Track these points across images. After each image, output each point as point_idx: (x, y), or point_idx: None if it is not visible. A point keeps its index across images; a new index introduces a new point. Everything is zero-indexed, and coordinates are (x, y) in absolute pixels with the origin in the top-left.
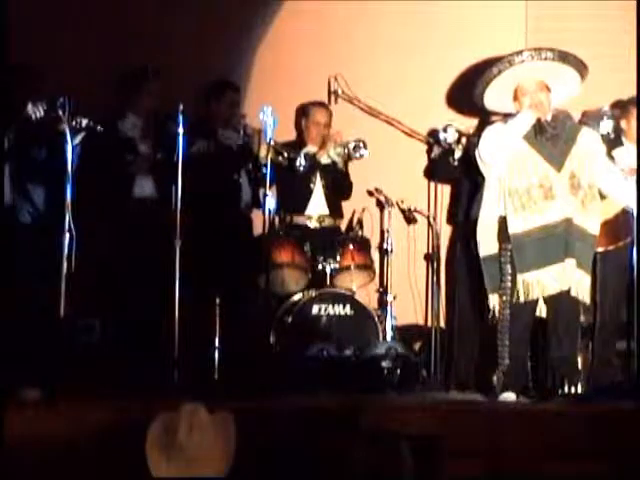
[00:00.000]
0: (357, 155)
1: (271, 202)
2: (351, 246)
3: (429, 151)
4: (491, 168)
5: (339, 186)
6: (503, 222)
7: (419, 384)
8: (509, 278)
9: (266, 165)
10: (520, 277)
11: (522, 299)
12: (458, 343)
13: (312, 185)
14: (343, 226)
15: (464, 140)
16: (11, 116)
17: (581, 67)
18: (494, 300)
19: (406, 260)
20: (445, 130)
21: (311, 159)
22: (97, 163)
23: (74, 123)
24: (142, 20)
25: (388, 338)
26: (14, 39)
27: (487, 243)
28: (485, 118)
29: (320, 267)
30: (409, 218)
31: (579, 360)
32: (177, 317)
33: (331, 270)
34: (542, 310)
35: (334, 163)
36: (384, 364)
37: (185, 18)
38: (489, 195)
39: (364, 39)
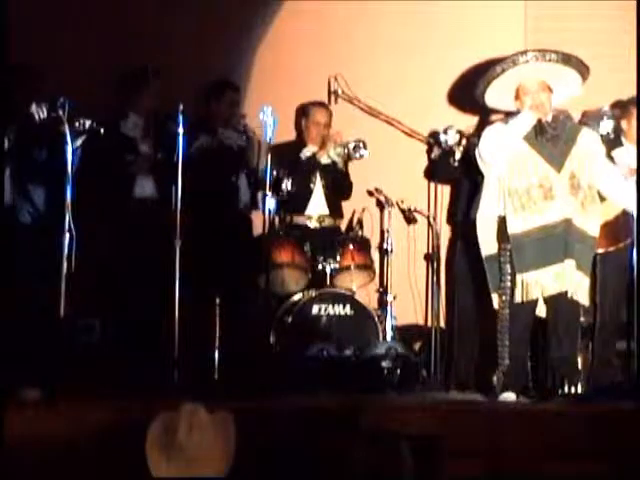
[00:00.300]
0: (357, 155)
1: (271, 202)
2: (351, 246)
3: (429, 151)
4: (491, 167)
5: (339, 186)
6: (502, 222)
7: (419, 384)
8: (509, 278)
9: (265, 168)
10: (519, 277)
11: (521, 299)
12: (458, 343)
13: (312, 185)
14: (343, 226)
15: (464, 141)
16: (11, 116)
17: (583, 69)
18: (495, 300)
19: (406, 260)
20: (446, 132)
21: (310, 160)
22: (98, 163)
23: (77, 125)
24: (142, 20)
25: (388, 338)
26: (14, 39)
27: (488, 242)
28: (485, 118)
29: (320, 267)
30: (409, 218)
31: (579, 360)
32: (177, 317)
33: (331, 270)
34: (542, 310)
35: (334, 163)
36: (384, 364)
37: (185, 18)
38: (488, 194)
39: (364, 39)
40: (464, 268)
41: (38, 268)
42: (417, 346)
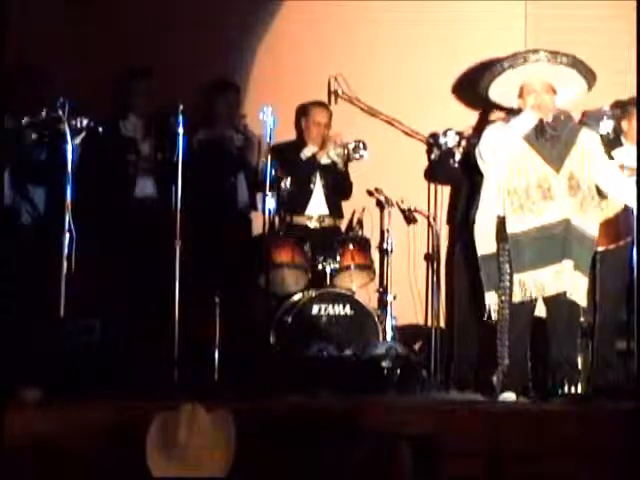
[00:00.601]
0: (357, 156)
1: (271, 202)
2: (351, 246)
3: (429, 152)
4: (490, 166)
5: (339, 186)
6: (502, 222)
7: (419, 384)
8: (508, 278)
9: (265, 167)
10: (517, 277)
11: (519, 299)
12: (458, 343)
13: (312, 185)
14: (343, 226)
15: (464, 143)
16: (11, 116)
17: (590, 77)
18: (490, 298)
19: (406, 260)
20: (445, 134)
21: (310, 160)
22: (98, 163)
23: (74, 123)
24: (142, 20)
25: (388, 338)
26: (14, 39)
27: (485, 242)
28: (484, 118)
29: (320, 267)
30: (409, 218)
31: (579, 360)
32: (177, 317)
33: (331, 270)
34: (542, 310)
35: (334, 163)
36: (384, 364)
37: (185, 18)
38: (487, 194)
39: (364, 39)
40: (464, 268)
41: (38, 268)
42: (417, 346)
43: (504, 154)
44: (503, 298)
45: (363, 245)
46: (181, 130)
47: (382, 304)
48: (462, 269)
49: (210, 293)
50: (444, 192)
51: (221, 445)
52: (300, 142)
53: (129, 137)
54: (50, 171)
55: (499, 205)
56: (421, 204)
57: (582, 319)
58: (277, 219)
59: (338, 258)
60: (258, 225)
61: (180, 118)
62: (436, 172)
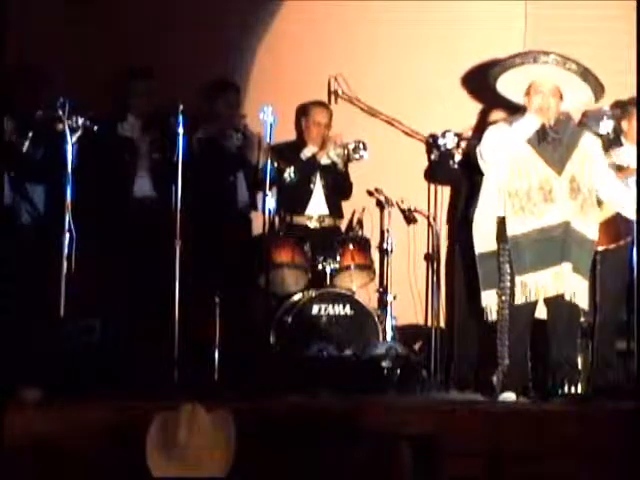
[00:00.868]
0: (357, 156)
1: (271, 202)
2: (351, 246)
3: (429, 153)
4: (491, 166)
5: (339, 186)
6: (502, 223)
7: (419, 384)
8: (508, 278)
9: (265, 167)
10: (518, 279)
11: (519, 300)
12: (458, 343)
13: (312, 185)
14: (343, 226)
15: (463, 144)
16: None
17: (598, 89)
18: (487, 297)
19: (406, 260)
20: (444, 136)
21: (310, 160)
22: (96, 163)
23: (70, 122)
24: (142, 20)
25: (388, 338)
26: (14, 39)
27: (483, 240)
28: (484, 118)
29: (320, 267)
30: (409, 218)
31: (579, 360)
32: (177, 317)
33: (331, 270)
34: (542, 312)
35: (334, 164)
36: (384, 364)
37: (185, 18)
38: (487, 194)
39: (364, 39)
40: (464, 268)
41: (38, 268)
42: (417, 346)
43: (505, 155)
44: (503, 298)
45: (363, 245)
46: (181, 130)
47: (382, 304)
48: (462, 269)
49: (210, 293)
50: (444, 192)
51: (221, 445)
52: (300, 142)
53: (127, 137)
54: (49, 170)
55: (500, 206)
56: (421, 204)
57: (582, 319)
58: (277, 219)
59: (338, 258)
60: (258, 225)
61: (180, 118)
62: (436, 173)
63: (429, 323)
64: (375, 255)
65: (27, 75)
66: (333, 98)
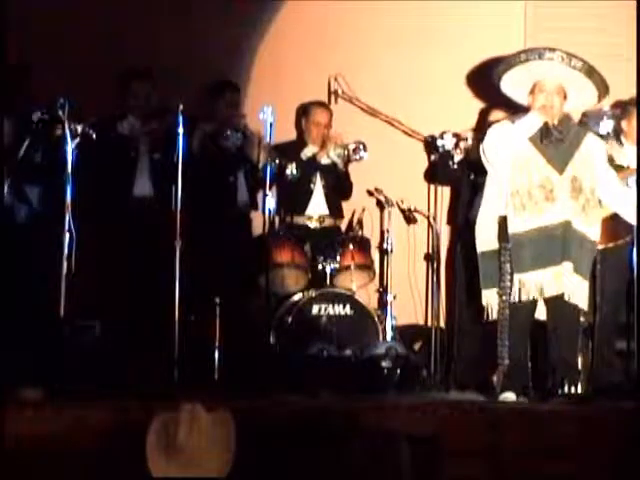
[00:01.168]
0: (357, 157)
1: (271, 202)
2: (351, 246)
3: (429, 153)
4: (494, 165)
5: (339, 187)
6: (504, 221)
7: (419, 384)
8: (508, 277)
9: (265, 166)
10: (517, 277)
11: (518, 299)
12: (458, 343)
13: (312, 185)
14: (343, 226)
15: (462, 144)
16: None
17: (602, 88)
18: (488, 296)
19: (406, 260)
20: (442, 137)
21: (310, 160)
22: (97, 163)
23: (71, 128)
24: (142, 20)
25: (388, 338)
26: (14, 39)
27: (485, 239)
28: (484, 118)
29: (320, 267)
30: (409, 218)
31: (579, 360)
32: (177, 317)
33: (331, 270)
34: (542, 312)
35: (334, 164)
36: (384, 364)
37: (185, 18)
38: (490, 192)
39: (364, 39)
40: (464, 268)
41: (37, 268)
42: (417, 346)
43: (508, 153)
44: (504, 298)
45: (363, 245)
46: (181, 130)
47: (382, 304)
48: (462, 269)
49: (210, 293)
50: (444, 192)
51: (221, 445)
52: (300, 142)
53: (127, 137)
54: (47, 171)
55: (501, 205)
56: (421, 204)
57: (582, 319)
58: (277, 219)
59: (338, 258)
60: (258, 225)
61: (180, 118)
62: (436, 174)
63: (429, 323)
64: (375, 255)
65: (27, 75)
66: (333, 98)
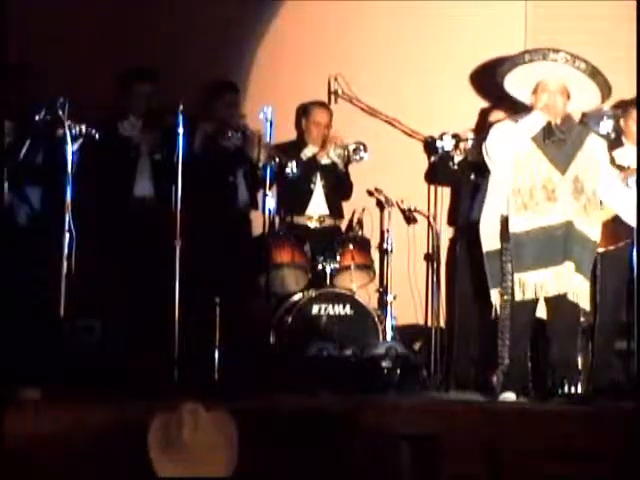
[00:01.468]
0: (357, 157)
1: (271, 202)
2: (351, 246)
3: (429, 154)
4: (497, 164)
5: (339, 187)
6: (505, 221)
7: (419, 384)
8: (510, 277)
9: (265, 166)
10: (517, 277)
11: (519, 299)
12: (458, 343)
13: (312, 185)
14: (343, 226)
15: (462, 145)
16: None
17: (605, 89)
18: (495, 296)
19: (406, 260)
20: (441, 138)
21: (310, 161)
22: (98, 163)
23: (73, 130)
24: (142, 20)
25: (388, 338)
26: (14, 39)
27: (489, 239)
28: (485, 117)
29: (320, 267)
30: (409, 218)
31: (579, 360)
32: (177, 317)
33: (331, 270)
34: (542, 311)
35: (334, 164)
36: (384, 364)
37: (185, 18)
38: (493, 191)
39: (364, 39)
40: (464, 268)
41: (37, 268)
42: (417, 346)
43: (511, 152)
44: (505, 297)
45: (363, 245)
46: (181, 130)
47: (382, 304)
48: (463, 269)
49: (210, 293)
50: (444, 192)
51: (226, 444)
52: (300, 142)
53: (128, 137)
54: (48, 171)
55: (503, 204)
56: (421, 204)
57: (582, 319)
58: (277, 219)
59: (338, 258)
60: (258, 225)
61: (180, 118)
62: (436, 175)
63: (429, 323)
64: (375, 255)
65: (27, 75)
66: (333, 98)
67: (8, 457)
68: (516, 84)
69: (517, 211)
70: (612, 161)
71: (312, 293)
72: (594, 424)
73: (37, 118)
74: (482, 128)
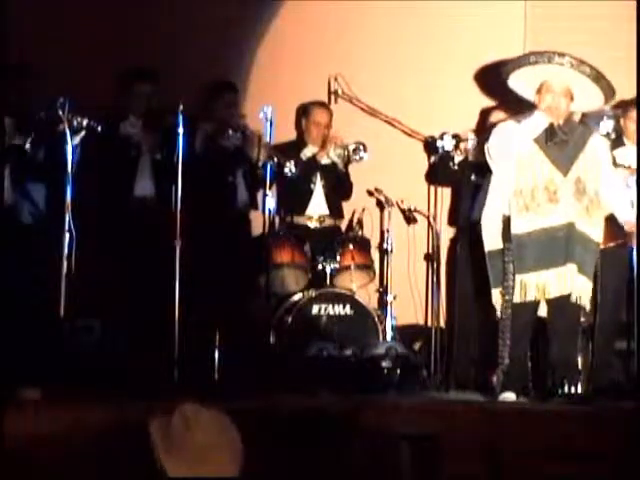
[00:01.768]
0: (357, 157)
1: (271, 202)
2: (351, 246)
3: (429, 154)
4: (499, 164)
5: (339, 187)
6: (507, 221)
7: (419, 384)
8: (511, 277)
9: (265, 166)
10: (519, 278)
11: (520, 300)
12: (458, 343)
13: (312, 185)
14: (343, 226)
15: (462, 145)
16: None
17: (609, 94)
18: (497, 295)
19: (406, 260)
20: (442, 138)
21: (310, 160)
22: (98, 163)
23: (74, 123)
24: (142, 20)
25: (388, 338)
26: (14, 39)
27: (491, 238)
28: (485, 117)
29: (320, 267)
30: (409, 218)
31: (579, 360)
32: (177, 317)
33: (331, 270)
34: (543, 310)
35: (334, 164)
36: (384, 364)
37: (185, 18)
38: (495, 191)
39: (364, 39)
40: (465, 269)
41: (38, 268)
42: (417, 346)
43: (513, 153)
44: (507, 297)
45: (363, 245)
46: (181, 130)
47: (382, 304)
48: (463, 269)
49: (210, 293)
50: (444, 192)
51: (230, 445)
52: (300, 142)
53: (129, 137)
54: (50, 170)
55: (505, 205)
56: (421, 204)
57: (582, 319)
58: (277, 219)
59: (338, 258)
60: (258, 225)
61: (180, 118)
62: (436, 175)
63: (429, 323)
64: (375, 255)
65: (26, 75)
66: (333, 98)
67: (8, 457)
68: (520, 81)
69: (519, 212)
70: (613, 161)
71: (312, 293)
72: (594, 424)
73: (38, 117)
74: (482, 128)
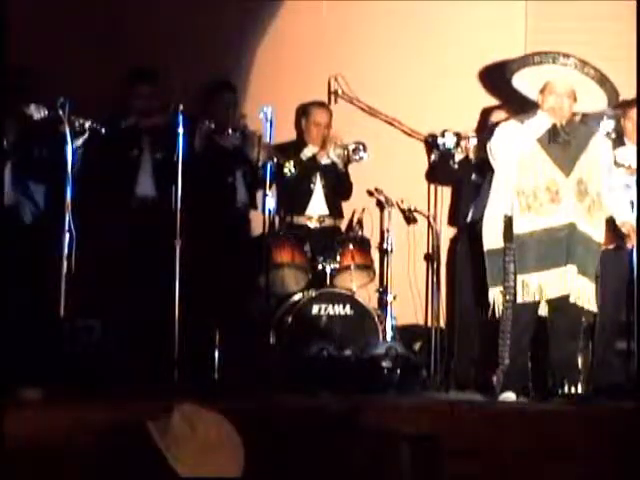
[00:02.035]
0: (357, 157)
1: (271, 202)
2: (351, 246)
3: (429, 153)
4: (501, 163)
5: (339, 187)
6: (509, 221)
7: (419, 384)
8: (512, 277)
9: (265, 166)
10: (520, 278)
11: (520, 300)
12: (458, 343)
13: (312, 185)
14: (343, 226)
15: (463, 143)
16: (11, 116)
17: (613, 96)
18: (494, 294)
19: (406, 260)
20: (443, 135)
21: (310, 161)
22: (99, 162)
23: (77, 125)
24: (142, 20)
25: (388, 338)
26: (14, 39)
27: (491, 237)
28: (486, 117)
29: (320, 267)
30: (409, 218)
31: (579, 360)
32: (177, 317)
33: (331, 270)
34: (544, 310)
35: (334, 164)
36: (384, 364)
37: (185, 18)
38: (497, 191)
39: (364, 39)
40: (465, 268)
41: (38, 268)
42: (417, 346)
43: (515, 153)
44: (507, 297)
45: (363, 245)
46: (181, 130)
47: (382, 304)
48: (463, 269)
49: (210, 293)
50: (444, 192)
51: (233, 444)
52: (300, 142)
53: (130, 135)
54: (51, 170)
55: (507, 204)
56: (421, 204)
57: (582, 319)
58: (277, 219)
59: (338, 258)
60: (258, 225)
61: (180, 118)
62: (436, 174)
63: (429, 323)
64: (375, 255)
65: (27, 75)
66: (333, 98)
67: (8, 457)
68: (524, 82)
69: (521, 212)
70: (614, 161)
71: (312, 293)
72: (594, 424)
73: (38, 117)
74: (483, 128)
